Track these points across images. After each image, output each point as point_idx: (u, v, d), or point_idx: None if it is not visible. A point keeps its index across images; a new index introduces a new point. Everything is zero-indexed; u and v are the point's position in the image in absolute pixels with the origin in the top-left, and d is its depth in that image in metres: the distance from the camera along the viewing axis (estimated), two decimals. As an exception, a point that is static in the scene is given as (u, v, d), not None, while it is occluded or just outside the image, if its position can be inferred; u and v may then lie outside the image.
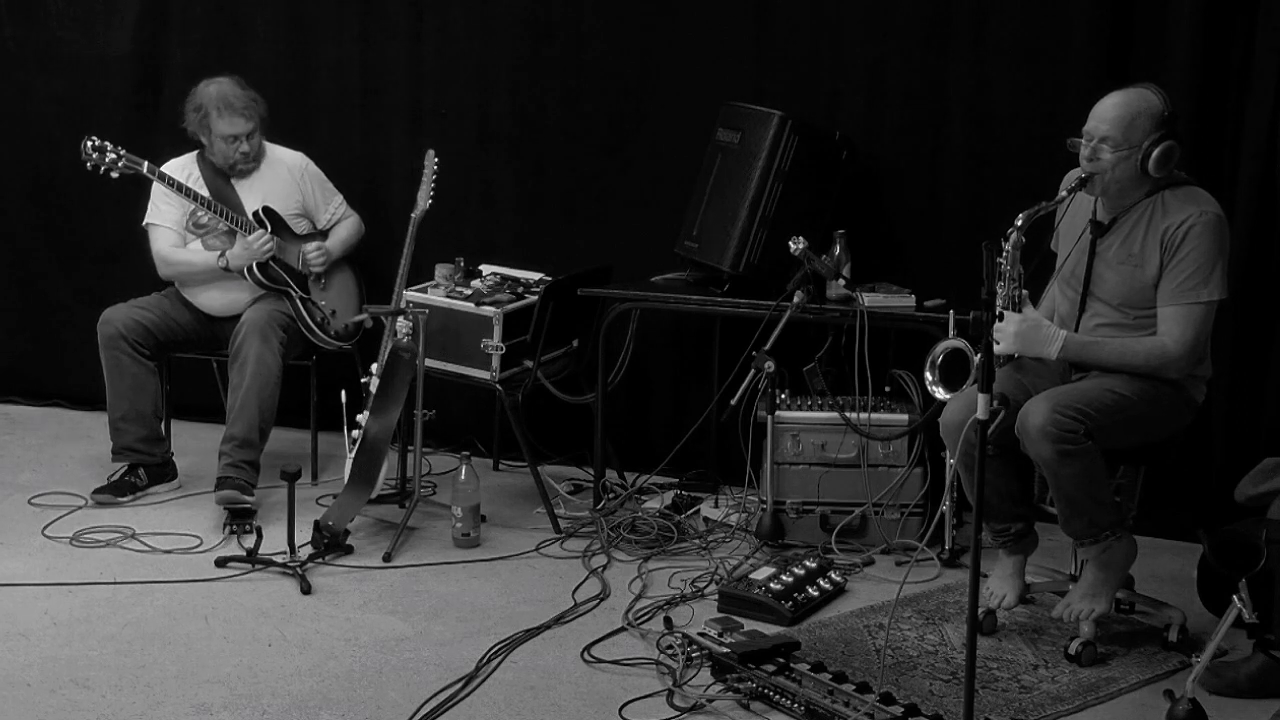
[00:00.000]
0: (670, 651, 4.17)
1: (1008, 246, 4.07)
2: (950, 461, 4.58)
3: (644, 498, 5.39)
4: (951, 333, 4.70)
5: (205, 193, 5.38)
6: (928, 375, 4.28)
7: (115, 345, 5.30)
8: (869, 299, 4.98)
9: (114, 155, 5.24)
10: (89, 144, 5.23)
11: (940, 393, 4.26)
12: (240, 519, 5.07)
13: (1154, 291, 4.18)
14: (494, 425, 5.76)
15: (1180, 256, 4.13)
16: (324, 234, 5.61)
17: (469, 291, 5.33)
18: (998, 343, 4.10)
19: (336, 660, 4.19)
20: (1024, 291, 4.16)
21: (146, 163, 5.28)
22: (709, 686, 4.00)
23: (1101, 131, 4.15)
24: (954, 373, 4.24)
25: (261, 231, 5.36)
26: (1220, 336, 4.48)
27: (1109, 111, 4.15)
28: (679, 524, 5.09)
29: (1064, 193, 4.26)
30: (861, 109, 5.37)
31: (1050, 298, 4.46)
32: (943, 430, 4.28)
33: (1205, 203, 4.19)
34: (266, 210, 5.42)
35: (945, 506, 4.84)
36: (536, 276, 5.53)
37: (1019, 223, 4.05)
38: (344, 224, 5.65)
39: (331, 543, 4.86)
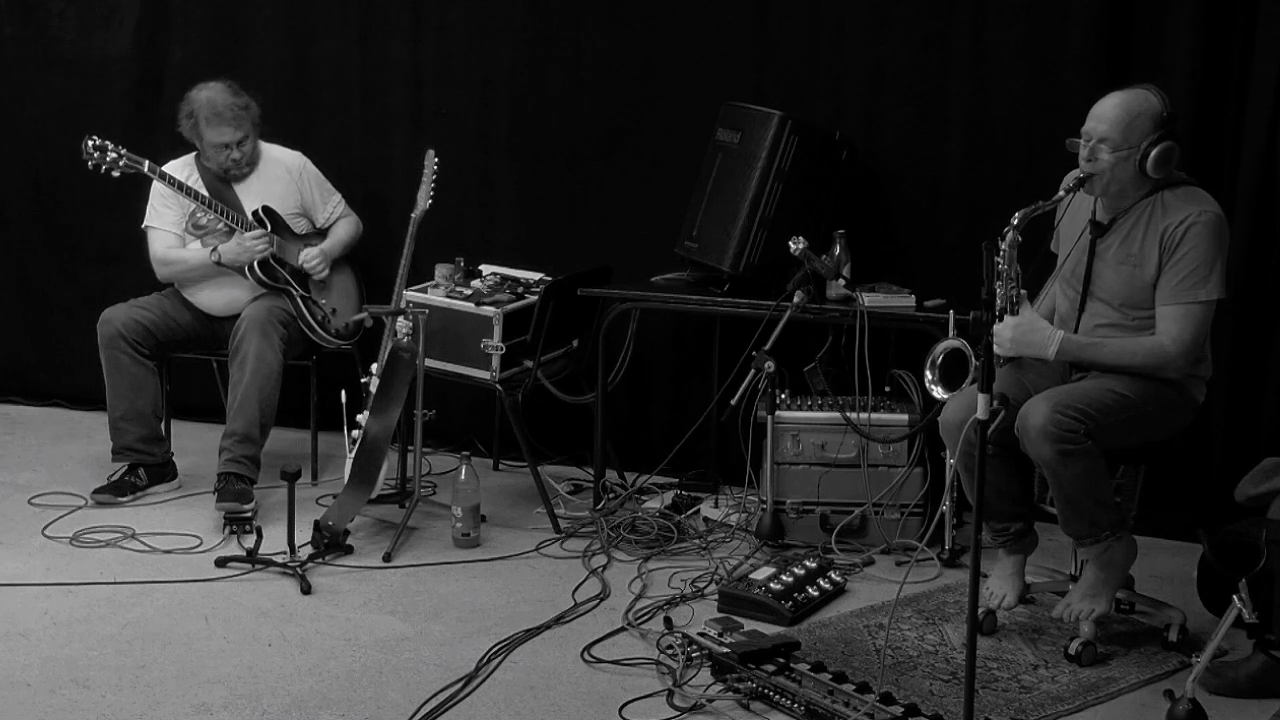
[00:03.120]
0: (670, 651, 4.17)
1: (1004, 246, 4.06)
2: (950, 461, 4.57)
3: (644, 498, 5.39)
4: (951, 333, 4.69)
5: (205, 194, 5.38)
6: (927, 375, 4.28)
7: (115, 345, 5.30)
8: (869, 299, 4.98)
9: (115, 154, 5.24)
10: (90, 143, 5.23)
11: (940, 392, 4.25)
12: (240, 520, 5.07)
13: (1153, 291, 4.18)
14: (494, 425, 5.76)
15: (1179, 256, 4.13)
16: (322, 233, 5.61)
17: (469, 291, 5.33)
18: (996, 347, 4.10)
19: (336, 660, 4.18)
20: (1022, 291, 4.16)
21: (147, 162, 5.29)
22: (709, 686, 3.99)
23: (1100, 132, 4.14)
24: (954, 373, 4.24)
25: (260, 230, 5.36)
26: (1220, 336, 4.48)
27: (1108, 112, 4.15)
28: (679, 524, 5.09)
29: (1062, 192, 4.26)
30: (861, 109, 5.37)
31: (1050, 297, 4.46)
32: (943, 430, 4.28)
33: (1204, 202, 4.19)
34: (266, 210, 5.42)
35: (945, 506, 4.84)
36: (536, 276, 5.53)
37: (1015, 221, 4.05)
38: (342, 223, 5.65)
39: (331, 543, 4.86)
